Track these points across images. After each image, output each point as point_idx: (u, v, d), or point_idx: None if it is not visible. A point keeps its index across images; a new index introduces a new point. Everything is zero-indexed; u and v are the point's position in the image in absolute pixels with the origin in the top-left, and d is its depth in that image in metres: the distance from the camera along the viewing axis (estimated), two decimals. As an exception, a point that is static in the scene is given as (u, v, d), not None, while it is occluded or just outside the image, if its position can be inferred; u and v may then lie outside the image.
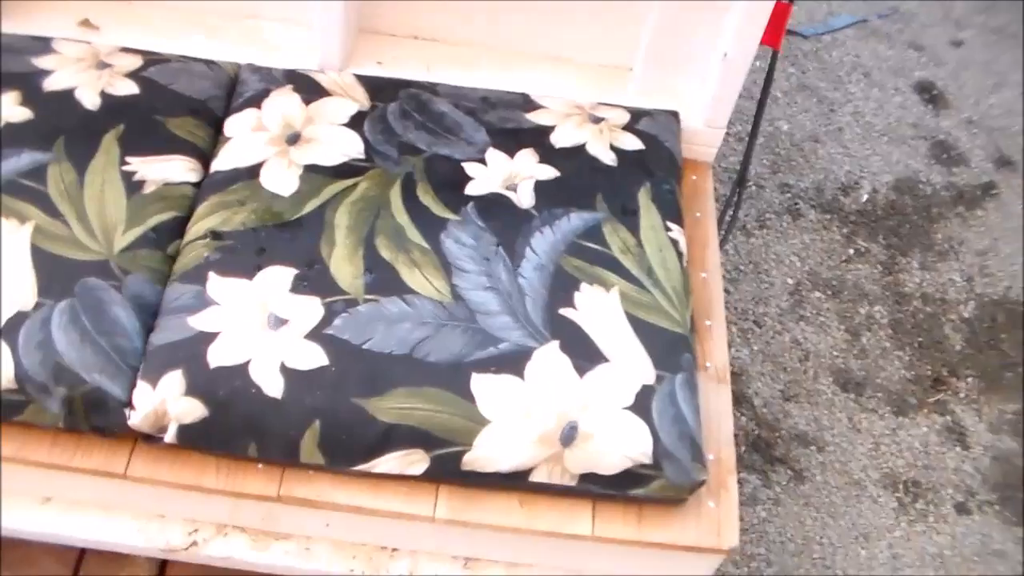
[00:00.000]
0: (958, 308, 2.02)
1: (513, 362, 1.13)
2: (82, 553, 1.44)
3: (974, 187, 2.23)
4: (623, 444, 1.11)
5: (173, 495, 1.20)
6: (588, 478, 1.13)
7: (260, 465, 1.16)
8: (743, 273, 1.99)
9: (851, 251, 2.08)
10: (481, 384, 1.11)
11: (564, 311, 1.18)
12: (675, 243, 1.30)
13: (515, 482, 1.13)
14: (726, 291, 1.96)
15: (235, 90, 1.45)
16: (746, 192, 2.12)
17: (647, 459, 1.11)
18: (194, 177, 1.33)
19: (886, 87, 2.41)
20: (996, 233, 2.16)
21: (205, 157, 1.36)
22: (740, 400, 1.82)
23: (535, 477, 1.13)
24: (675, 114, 1.49)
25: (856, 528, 1.70)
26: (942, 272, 2.07)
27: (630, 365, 1.15)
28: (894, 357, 1.93)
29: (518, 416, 1.10)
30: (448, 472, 1.12)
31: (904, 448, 1.81)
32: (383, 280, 1.20)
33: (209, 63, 1.47)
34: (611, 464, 1.12)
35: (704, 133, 1.52)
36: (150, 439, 1.15)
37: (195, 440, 1.13)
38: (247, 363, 1.11)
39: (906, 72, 2.45)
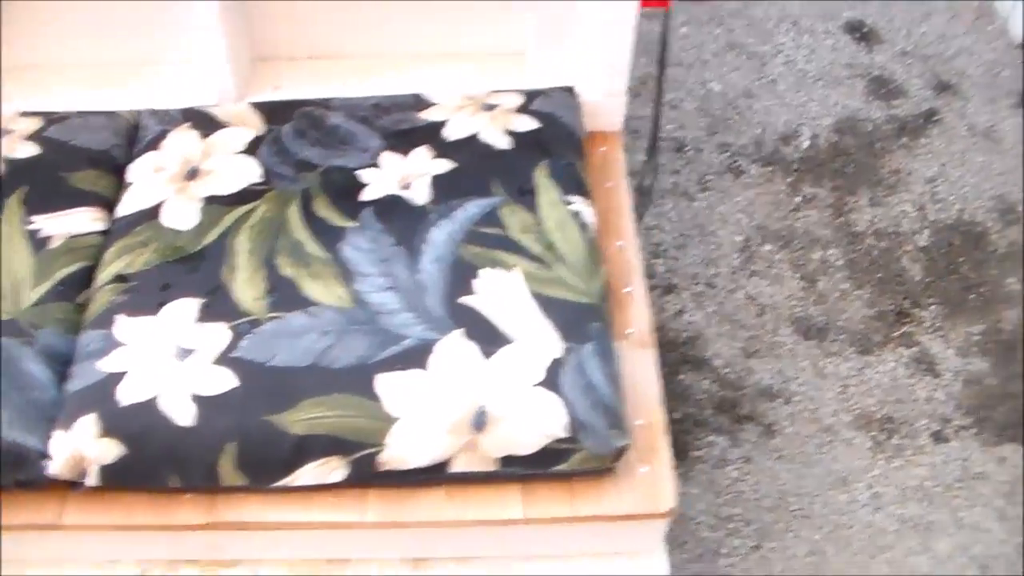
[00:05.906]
0: (913, 238, 1.99)
1: (417, 357, 1.13)
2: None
3: (916, 116, 2.20)
4: (537, 421, 1.10)
5: (116, 538, 1.20)
6: (509, 461, 1.12)
7: (188, 495, 1.17)
8: (689, 238, 1.98)
9: (798, 199, 2.06)
10: (384, 383, 1.11)
11: (463, 299, 1.18)
12: (576, 215, 1.30)
13: (437, 475, 1.13)
14: (674, 258, 1.94)
15: (136, 136, 1.47)
16: (684, 157, 2.11)
17: (563, 432, 1.10)
18: (101, 226, 1.35)
19: (816, 32, 2.39)
20: (943, 159, 2.13)
21: (111, 205, 1.38)
22: (700, 365, 1.80)
23: (455, 467, 1.12)
24: (570, 89, 1.49)
25: (832, 474, 1.67)
26: (893, 205, 2.05)
27: (536, 342, 1.15)
28: (854, 297, 1.91)
29: (425, 409, 1.10)
30: (368, 475, 1.12)
31: (873, 386, 1.78)
32: (286, 296, 1.20)
33: (108, 114, 1.49)
34: (528, 443, 1.11)
35: (605, 103, 1.52)
36: (76, 486, 1.16)
37: (118, 479, 1.14)
38: (155, 397, 1.12)
39: (834, 15, 2.43)
